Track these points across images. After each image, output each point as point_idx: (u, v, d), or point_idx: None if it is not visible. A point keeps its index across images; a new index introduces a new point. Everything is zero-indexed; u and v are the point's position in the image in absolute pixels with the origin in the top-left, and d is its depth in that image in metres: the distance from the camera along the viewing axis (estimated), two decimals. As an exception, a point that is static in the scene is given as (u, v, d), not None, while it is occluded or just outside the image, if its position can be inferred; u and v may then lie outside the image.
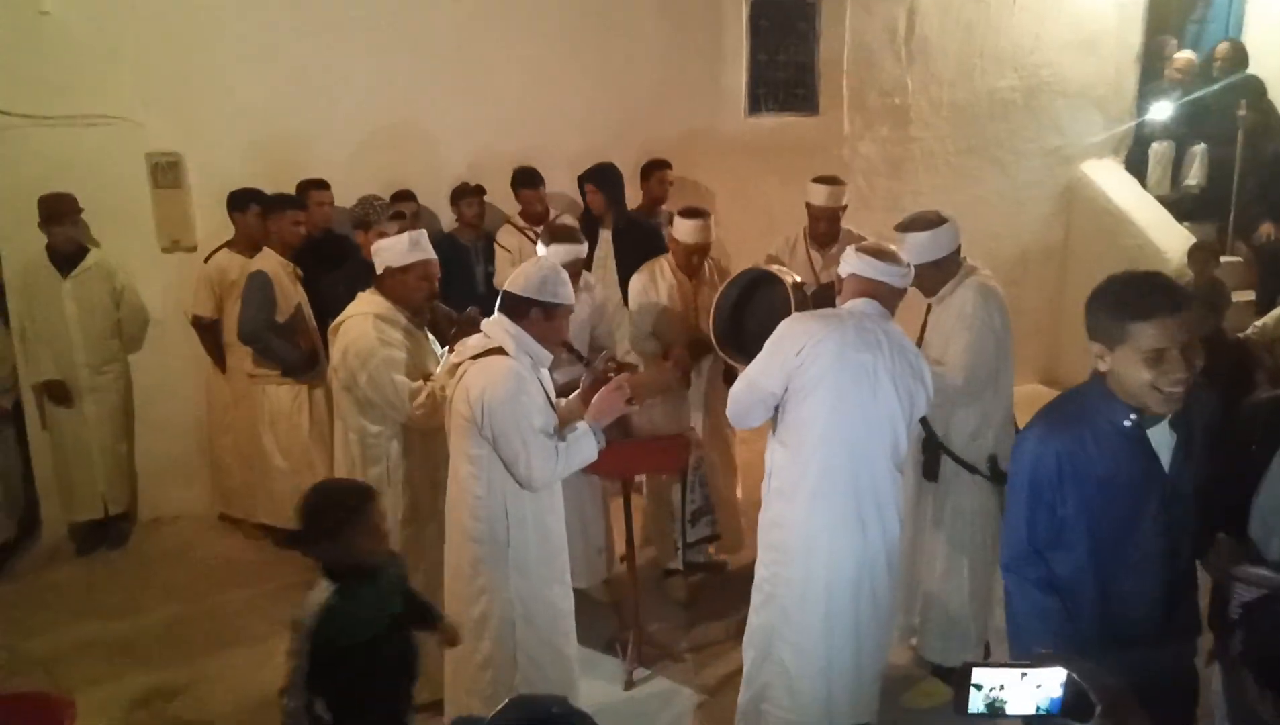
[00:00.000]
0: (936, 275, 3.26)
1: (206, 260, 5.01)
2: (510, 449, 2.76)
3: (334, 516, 2.37)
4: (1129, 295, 2.02)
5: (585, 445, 2.87)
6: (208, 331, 5.02)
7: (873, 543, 2.76)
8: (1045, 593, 2.20)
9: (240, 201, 4.93)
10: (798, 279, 3.52)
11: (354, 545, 2.37)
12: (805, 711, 2.85)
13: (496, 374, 2.76)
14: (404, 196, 5.27)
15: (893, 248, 2.90)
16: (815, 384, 2.68)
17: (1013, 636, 2.34)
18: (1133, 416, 2.08)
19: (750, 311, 3.59)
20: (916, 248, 3.15)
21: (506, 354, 2.82)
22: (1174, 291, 2.02)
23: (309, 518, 2.40)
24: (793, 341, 2.72)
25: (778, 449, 2.83)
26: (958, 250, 3.28)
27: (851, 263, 2.82)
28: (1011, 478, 2.28)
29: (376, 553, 2.44)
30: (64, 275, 4.81)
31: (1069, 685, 1.43)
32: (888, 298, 2.81)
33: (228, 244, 5.00)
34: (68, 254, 4.81)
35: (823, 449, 2.70)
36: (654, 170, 5.53)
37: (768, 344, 2.79)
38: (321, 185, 5.08)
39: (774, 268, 3.64)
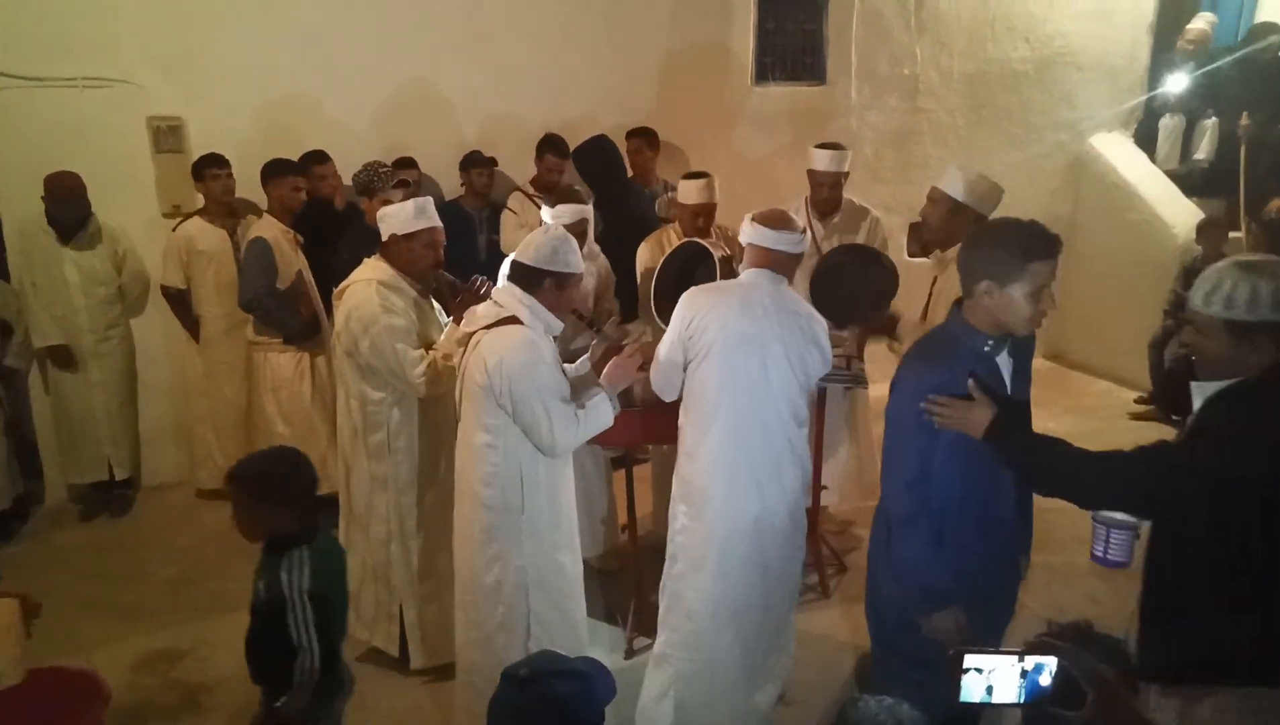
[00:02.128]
0: (948, 222, 3.30)
1: (175, 229, 4.99)
2: (531, 416, 2.78)
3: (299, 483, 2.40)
4: (1029, 239, 2.27)
5: (603, 411, 2.90)
6: (177, 301, 5.02)
7: (770, 500, 2.94)
8: (935, 544, 2.36)
9: (198, 169, 4.87)
10: (726, 253, 3.73)
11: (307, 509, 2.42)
12: (703, 650, 3.02)
13: (514, 343, 2.78)
14: (406, 164, 5.23)
15: (787, 214, 3.03)
16: (705, 354, 2.88)
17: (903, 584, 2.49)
18: (991, 342, 2.33)
19: (693, 280, 3.79)
20: (953, 178, 3.29)
21: (521, 323, 2.83)
22: (1054, 235, 2.30)
23: (286, 482, 2.39)
24: (685, 314, 2.92)
25: (683, 415, 3.02)
26: (980, 219, 3.28)
27: (746, 232, 2.97)
28: (896, 412, 2.40)
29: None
30: (65, 242, 4.78)
31: (1060, 674, 1.41)
32: (783, 264, 2.96)
33: (199, 212, 4.97)
34: (67, 221, 4.78)
35: (717, 415, 2.88)
36: (629, 138, 5.46)
37: (671, 318, 2.98)
38: (322, 158, 5.01)
39: (707, 242, 3.84)
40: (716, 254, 3.71)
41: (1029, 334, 2.44)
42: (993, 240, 2.32)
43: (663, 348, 3.00)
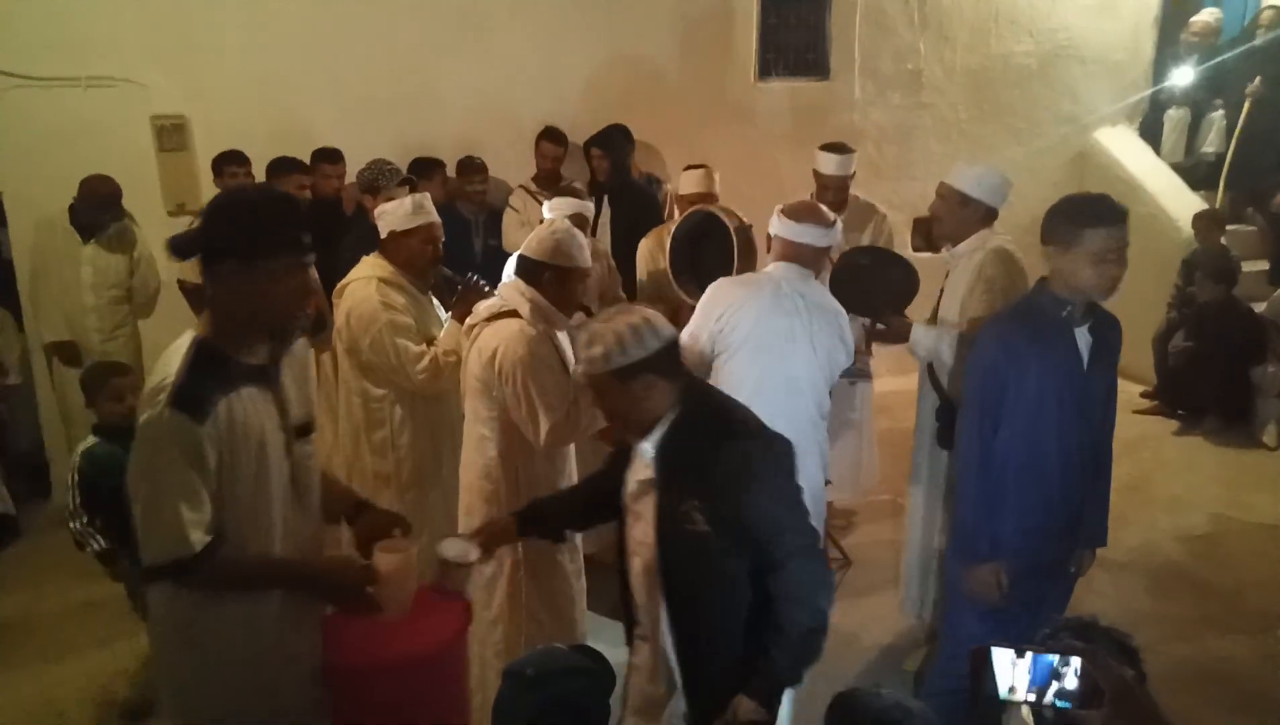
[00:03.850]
0: (959, 214, 3.26)
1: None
2: (521, 410, 2.77)
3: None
4: (1085, 205, 2.50)
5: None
6: (192, 295, 5.01)
7: None
8: (986, 501, 2.57)
9: (218, 165, 4.86)
10: (741, 223, 3.69)
11: (101, 408, 3.33)
12: None
13: (509, 336, 2.78)
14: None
15: (817, 206, 3.03)
16: (737, 348, 2.90)
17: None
18: (1070, 307, 2.52)
19: (705, 249, 3.78)
20: (962, 172, 3.29)
21: (520, 316, 2.82)
22: (1118, 206, 2.48)
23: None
24: (715, 306, 2.94)
25: None
26: (990, 212, 3.27)
27: (774, 225, 3.00)
28: (974, 362, 2.63)
29: (122, 414, 3.22)
30: (85, 240, 4.75)
31: (1081, 674, 1.39)
32: (810, 259, 2.98)
33: None
34: (90, 223, 4.74)
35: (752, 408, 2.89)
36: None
37: (698, 307, 3.01)
38: (333, 157, 4.97)
39: (720, 211, 3.78)
40: (731, 223, 3.65)
41: (1113, 323, 2.65)
42: (1055, 208, 2.54)
43: (689, 338, 2.97)
